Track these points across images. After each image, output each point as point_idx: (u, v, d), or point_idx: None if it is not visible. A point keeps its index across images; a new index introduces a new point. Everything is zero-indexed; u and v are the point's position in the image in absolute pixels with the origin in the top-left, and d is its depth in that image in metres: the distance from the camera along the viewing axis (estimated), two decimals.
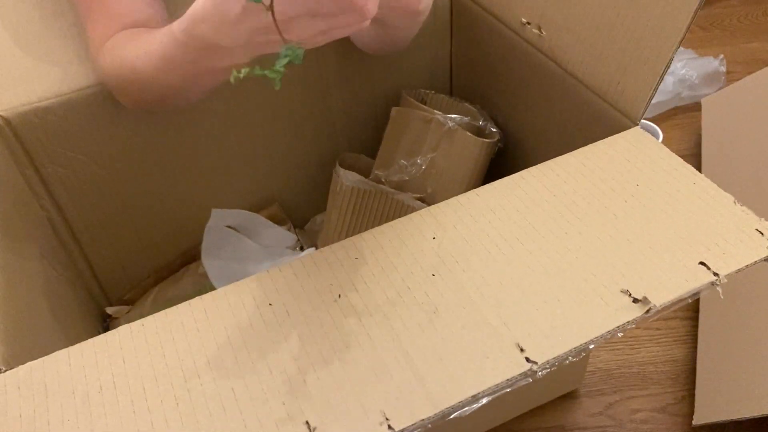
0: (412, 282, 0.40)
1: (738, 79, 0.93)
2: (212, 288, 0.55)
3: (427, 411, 0.33)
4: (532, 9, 0.56)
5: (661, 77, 0.45)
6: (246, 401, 0.35)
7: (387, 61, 0.70)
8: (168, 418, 0.35)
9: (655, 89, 0.46)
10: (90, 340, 0.39)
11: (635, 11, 0.47)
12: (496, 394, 0.34)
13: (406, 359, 0.36)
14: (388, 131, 0.66)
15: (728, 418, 0.59)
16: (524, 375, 0.34)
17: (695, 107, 0.99)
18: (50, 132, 0.58)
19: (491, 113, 0.68)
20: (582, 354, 0.35)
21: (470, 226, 0.43)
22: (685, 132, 0.97)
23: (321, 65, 0.67)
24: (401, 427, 0.33)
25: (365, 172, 0.66)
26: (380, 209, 0.64)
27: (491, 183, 0.46)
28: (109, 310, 0.70)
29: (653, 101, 0.97)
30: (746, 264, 0.38)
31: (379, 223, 0.44)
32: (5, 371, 0.38)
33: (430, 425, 0.33)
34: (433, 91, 0.71)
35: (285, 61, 0.34)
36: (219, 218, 0.68)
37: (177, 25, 0.45)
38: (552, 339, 0.36)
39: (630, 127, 0.48)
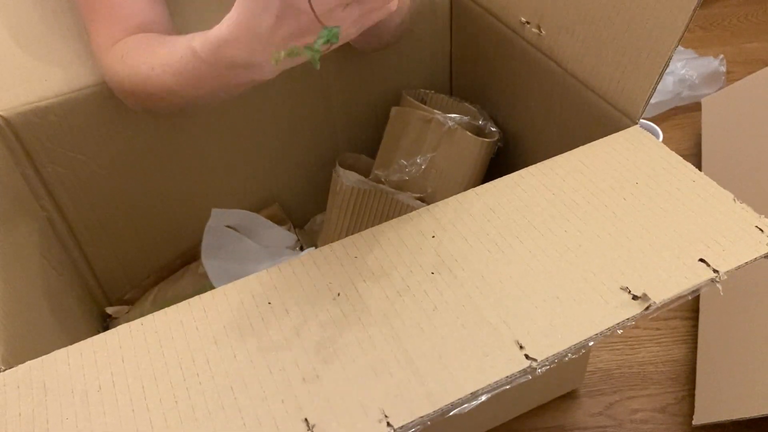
0: (411, 281, 0.40)
1: (738, 79, 0.93)
2: (212, 288, 0.55)
3: (426, 408, 0.33)
4: (531, 8, 0.56)
5: (660, 76, 0.45)
6: (245, 400, 0.35)
7: (387, 61, 0.70)
8: (167, 417, 0.35)
9: (654, 88, 0.46)
10: (89, 340, 0.39)
11: (634, 10, 0.47)
12: (496, 392, 0.34)
13: (405, 357, 0.36)
14: (387, 131, 0.66)
15: (728, 418, 0.59)
16: (524, 372, 0.34)
17: (695, 107, 0.99)
18: (50, 132, 0.58)
19: (491, 113, 0.68)
20: (581, 351, 0.35)
21: (470, 225, 0.43)
22: (685, 132, 0.97)
23: (321, 65, 0.67)
24: (400, 424, 0.33)
25: (365, 172, 0.66)
26: (380, 209, 0.64)
27: (491, 182, 0.46)
28: (109, 310, 0.70)
29: (653, 101, 0.97)
30: (746, 261, 0.37)
31: (379, 223, 0.44)
32: (4, 370, 0.38)
33: (429, 422, 0.33)
34: (433, 91, 0.71)
35: (323, 40, 0.35)
36: (219, 218, 0.68)
37: (200, 46, 0.44)
38: (551, 336, 0.35)
39: (629, 126, 0.48)
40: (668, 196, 0.42)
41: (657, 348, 0.71)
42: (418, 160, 0.63)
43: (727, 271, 0.37)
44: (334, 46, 0.39)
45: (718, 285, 0.37)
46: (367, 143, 0.73)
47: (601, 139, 0.47)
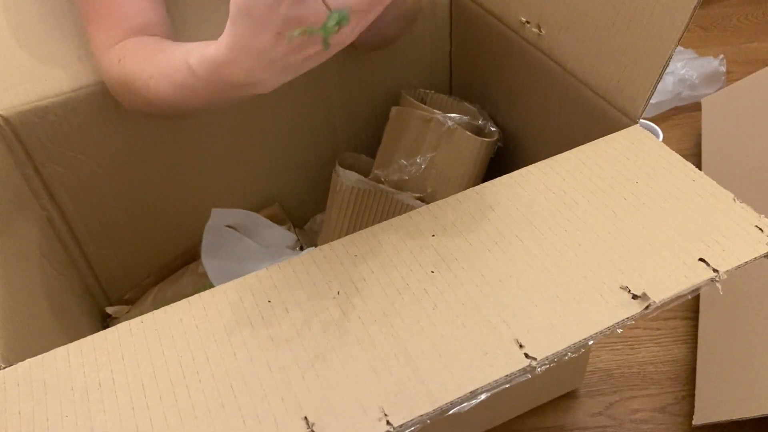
0: (411, 279, 0.40)
1: (738, 79, 0.93)
2: (212, 287, 0.55)
3: (425, 407, 0.33)
4: (531, 8, 0.56)
5: (660, 75, 0.45)
6: (244, 398, 0.35)
7: (387, 61, 0.70)
8: (167, 414, 0.35)
9: (654, 87, 0.46)
10: (89, 337, 0.39)
11: (634, 10, 0.47)
12: (495, 390, 0.34)
13: (404, 356, 0.36)
14: (387, 131, 0.66)
15: (728, 418, 0.59)
16: (523, 371, 0.34)
17: (695, 107, 0.99)
18: (50, 131, 0.58)
19: (491, 112, 0.68)
20: (581, 350, 0.35)
21: (469, 224, 0.43)
22: (685, 132, 0.97)
23: (321, 65, 0.67)
24: (400, 422, 0.33)
25: (365, 172, 0.66)
26: (380, 209, 0.64)
27: (490, 181, 0.46)
28: (109, 310, 0.70)
29: (653, 101, 0.98)
30: (746, 260, 0.38)
31: (379, 223, 0.44)
32: (4, 368, 0.38)
33: (429, 421, 0.33)
34: (432, 91, 0.71)
35: (334, 21, 0.34)
36: (219, 218, 0.68)
37: (197, 64, 0.43)
38: (551, 335, 0.35)
39: (629, 126, 0.48)
40: (668, 195, 0.42)
41: (657, 348, 0.71)
42: (418, 160, 0.63)
43: (727, 271, 0.37)
44: (348, 40, 0.38)
45: (717, 285, 0.37)
46: (367, 143, 0.73)
47: (601, 139, 0.47)
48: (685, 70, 1.00)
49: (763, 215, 0.40)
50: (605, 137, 0.47)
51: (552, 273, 0.39)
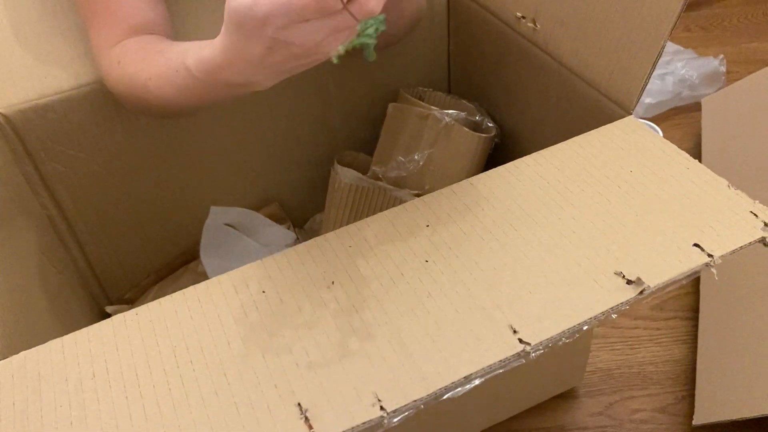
0: (405, 268, 0.40)
1: (738, 79, 0.93)
2: None
3: (419, 392, 0.33)
4: (526, 3, 0.57)
5: (653, 66, 0.45)
6: (238, 386, 0.35)
7: (385, 60, 0.70)
8: (160, 403, 0.35)
9: (648, 78, 0.46)
10: (84, 330, 0.39)
11: (627, 2, 0.47)
12: (489, 375, 0.34)
13: (398, 342, 0.36)
14: (385, 128, 0.66)
15: (728, 418, 0.58)
16: (517, 356, 0.34)
17: (695, 107, 0.98)
18: (50, 130, 0.58)
19: (488, 109, 0.69)
20: (575, 335, 0.35)
21: (464, 214, 0.43)
22: (685, 132, 0.97)
23: (319, 64, 0.67)
24: (394, 407, 0.33)
25: (364, 170, 0.66)
26: (378, 206, 0.64)
27: (485, 172, 0.46)
28: (109, 309, 0.70)
29: (653, 101, 0.98)
30: (740, 245, 0.37)
31: None
32: None
33: (422, 406, 0.33)
34: (430, 89, 0.71)
35: (372, 29, 0.35)
36: (218, 216, 0.68)
37: (194, 66, 0.44)
38: (545, 321, 0.35)
39: (624, 117, 0.48)
40: (662, 183, 0.42)
41: (657, 348, 0.71)
42: (416, 157, 0.63)
43: (722, 256, 0.37)
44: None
45: (713, 269, 0.37)
46: (365, 141, 0.73)
47: (595, 129, 0.47)
48: (685, 70, 1.00)
49: (757, 201, 0.39)
50: (600, 128, 0.47)
51: (546, 260, 0.39)
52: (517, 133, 0.66)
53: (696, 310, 0.72)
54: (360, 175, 0.64)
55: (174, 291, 0.69)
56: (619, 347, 0.72)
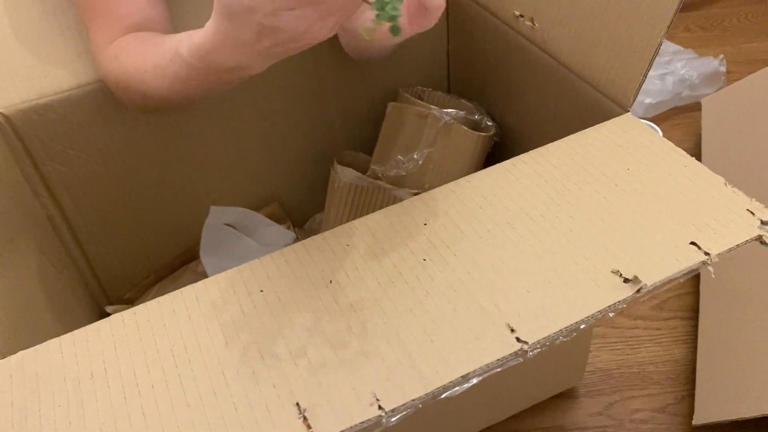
0: (403, 267, 0.40)
1: (738, 79, 0.93)
2: None
3: (418, 391, 0.33)
4: (524, 2, 0.57)
5: (650, 64, 0.45)
6: (236, 385, 0.35)
7: (384, 60, 0.70)
8: (159, 402, 0.35)
9: (645, 76, 0.46)
10: (82, 329, 0.39)
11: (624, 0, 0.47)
12: (487, 374, 0.34)
13: (396, 341, 0.36)
14: (384, 127, 0.66)
15: (728, 418, 0.58)
16: (515, 355, 0.34)
17: (695, 107, 0.98)
18: (50, 129, 0.58)
19: (488, 108, 0.69)
20: (573, 334, 0.35)
21: (461, 212, 0.43)
22: (685, 132, 0.97)
23: (318, 63, 0.68)
24: (392, 407, 0.33)
25: (363, 170, 0.66)
26: (378, 205, 0.64)
27: (483, 170, 0.46)
28: (109, 309, 0.70)
29: (653, 101, 0.98)
30: (737, 243, 0.37)
31: None
32: None
33: (420, 405, 0.33)
34: (430, 88, 0.71)
35: (396, 3, 0.35)
36: (217, 216, 0.68)
37: (187, 52, 0.45)
38: (543, 319, 0.35)
39: (621, 114, 0.48)
40: (660, 181, 0.42)
41: (657, 348, 0.71)
42: (415, 156, 0.63)
43: (719, 254, 0.37)
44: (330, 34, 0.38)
45: (709, 267, 0.37)
46: (365, 140, 0.73)
47: (592, 127, 0.47)
48: (685, 70, 1.00)
49: (754, 199, 0.39)
50: (597, 126, 0.47)
51: (543, 258, 0.39)
52: (516, 132, 0.66)
53: (696, 310, 0.72)
54: (359, 174, 0.64)
55: (174, 291, 0.70)
56: (619, 347, 0.72)
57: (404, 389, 0.33)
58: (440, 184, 0.63)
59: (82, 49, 0.58)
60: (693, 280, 0.76)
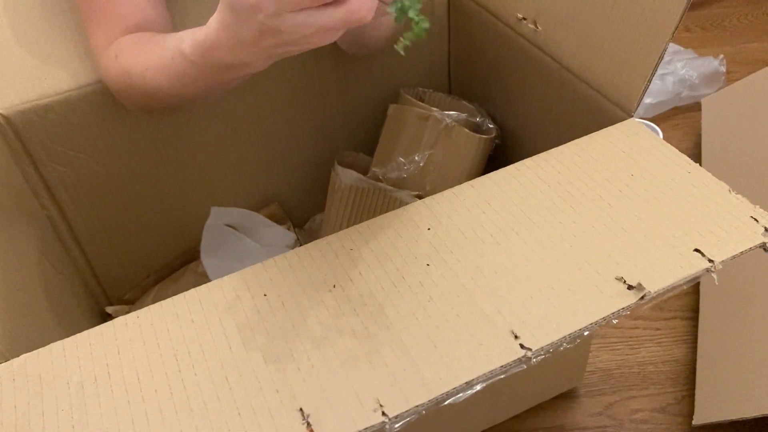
0: (406, 272, 0.40)
1: (738, 79, 0.93)
2: None
3: (421, 397, 0.33)
4: (527, 4, 0.57)
5: (655, 69, 0.45)
6: (240, 390, 0.35)
7: (385, 60, 0.70)
8: (162, 407, 0.35)
9: (649, 81, 0.46)
10: (85, 332, 0.39)
11: (628, 3, 0.47)
12: (491, 381, 0.34)
13: (400, 347, 0.36)
14: (385, 129, 0.66)
15: (728, 418, 0.59)
16: (518, 362, 0.34)
17: (695, 107, 0.98)
18: (50, 130, 0.58)
19: (489, 110, 0.69)
20: (576, 340, 0.35)
21: (465, 217, 0.43)
22: (685, 132, 0.97)
23: (319, 65, 0.67)
24: (395, 413, 0.33)
25: (364, 171, 0.66)
26: (379, 207, 0.64)
27: (486, 174, 0.46)
28: (109, 310, 0.70)
29: (653, 101, 0.98)
30: (741, 250, 0.37)
31: None
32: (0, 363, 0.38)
33: (424, 411, 0.33)
34: (431, 90, 0.71)
35: (418, 5, 0.36)
36: (218, 216, 0.68)
37: (189, 49, 0.45)
38: (546, 326, 0.35)
39: (625, 119, 0.48)
40: (663, 187, 0.42)
41: (657, 348, 0.71)
42: (416, 158, 0.63)
43: (723, 261, 0.37)
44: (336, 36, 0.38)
45: (713, 275, 0.37)
46: (365, 142, 0.73)
47: (596, 132, 0.47)
48: (685, 70, 1.00)
49: (758, 206, 0.39)
50: (600, 131, 0.47)
51: (547, 264, 0.39)
52: (517, 135, 0.66)
53: (696, 310, 0.72)
54: (360, 175, 0.64)
55: (174, 291, 0.69)
56: (619, 347, 0.72)
57: (408, 395, 0.34)
58: (441, 187, 0.63)
59: (82, 50, 0.58)
60: None
